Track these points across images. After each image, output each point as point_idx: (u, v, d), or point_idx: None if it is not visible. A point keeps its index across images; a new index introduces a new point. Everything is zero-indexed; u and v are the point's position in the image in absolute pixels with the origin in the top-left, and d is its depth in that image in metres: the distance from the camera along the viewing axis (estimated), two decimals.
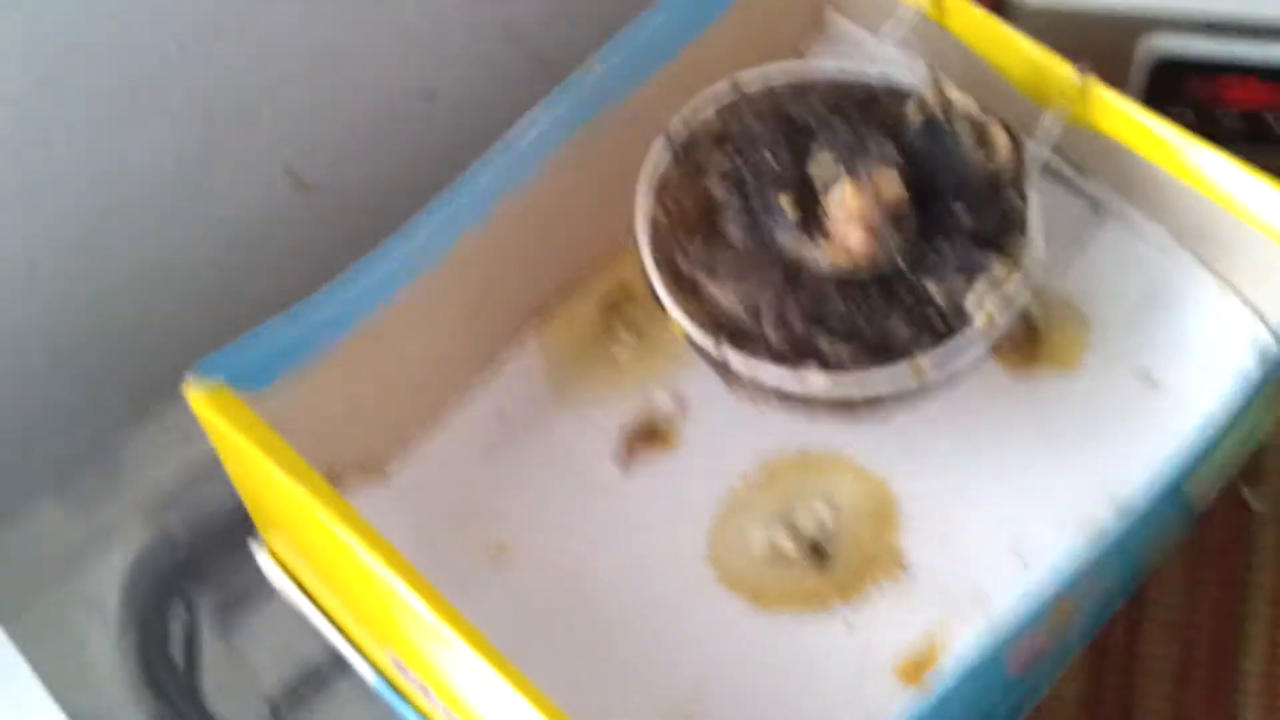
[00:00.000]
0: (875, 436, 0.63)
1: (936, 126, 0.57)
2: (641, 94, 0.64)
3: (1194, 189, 0.57)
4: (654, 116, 0.63)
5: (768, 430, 0.64)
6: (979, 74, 0.61)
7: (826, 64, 0.62)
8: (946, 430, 0.63)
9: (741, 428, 0.64)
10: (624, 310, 0.68)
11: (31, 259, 0.69)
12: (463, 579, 0.56)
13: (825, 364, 0.55)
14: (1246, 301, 0.60)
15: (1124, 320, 0.63)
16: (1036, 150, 0.59)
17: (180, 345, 0.59)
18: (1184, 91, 0.63)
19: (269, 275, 0.74)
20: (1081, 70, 0.58)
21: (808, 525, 0.62)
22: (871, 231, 0.55)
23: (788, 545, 0.62)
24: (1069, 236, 0.63)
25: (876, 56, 0.64)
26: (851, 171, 0.54)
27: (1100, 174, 0.61)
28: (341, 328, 0.57)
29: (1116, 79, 0.61)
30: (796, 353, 0.56)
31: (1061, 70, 0.59)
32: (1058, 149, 0.62)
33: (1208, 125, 0.65)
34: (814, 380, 0.55)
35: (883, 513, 0.62)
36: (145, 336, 0.75)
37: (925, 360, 0.55)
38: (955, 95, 0.57)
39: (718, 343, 0.56)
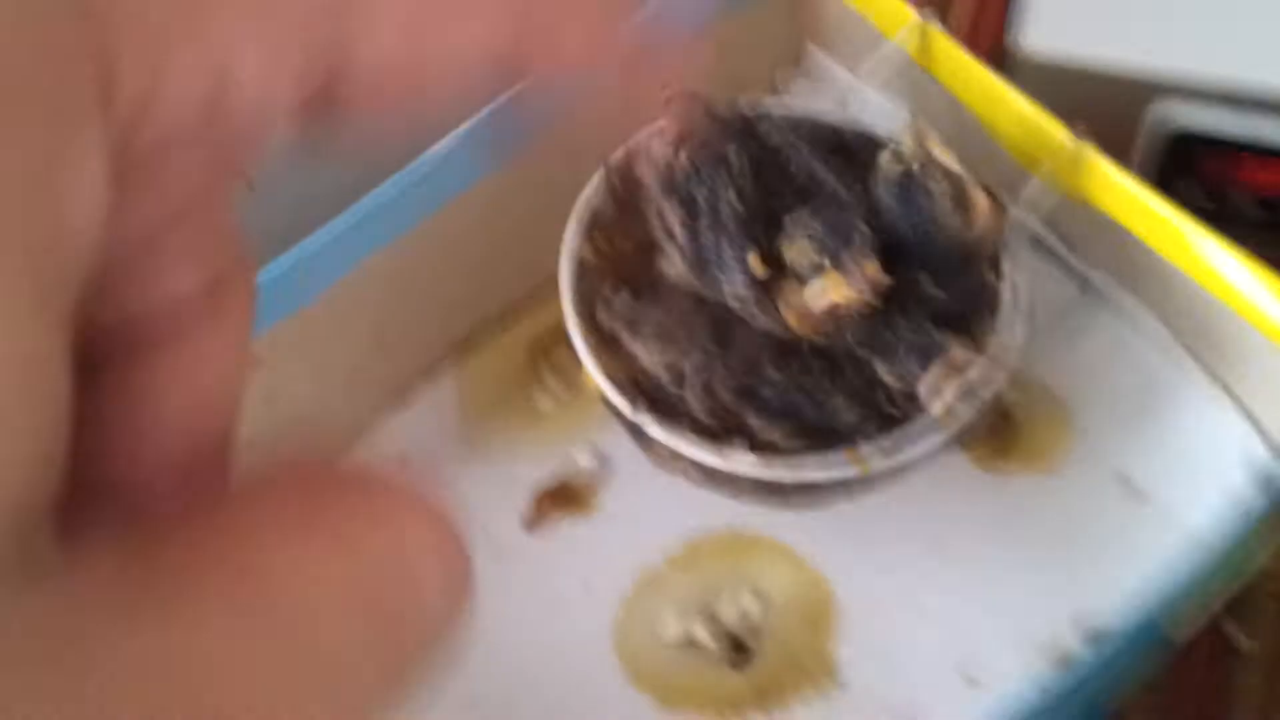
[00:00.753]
0: (817, 523, 0.55)
1: (911, 182, 0.50)
2: (590, 119, 0.57)
3: (1195, 281, 0.50)
4: (605, 146, 0.56)
5: (697, 504, 0.56)
6: (964, 128, 0.54)
7: (794, 101, 0.55)
8: (898, 524, 0.56)
9: (668, 498, 0.57)
10: (554, 355, 0.61)
11: None
12: None
13: (754, 442, 0.48)
14: (1246, 413, 0.53)
15: (1110, 418, 0.56)
16: (1021, 219, 0.52)
17: None
18: (1195, 167, 0.56)
19: None
20: (1078, 134, 0.51)
21: (730, 617, 0.55)
22: (841, 314, 0.48)
23: (705, 637, 0.54)
24: (1054, 318, 0.56)
25: (852, 98, 0.57)
26: (838, 262, 0.47)
27: (1093, 252, 0.54)
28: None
29: (1120, 148, 0.54)
30: (722, 426, 0.48)
31: (1055, 132, 0.51)
32: (1048, 220, 0.55)
33: (1219, 207, 0.58)
34: (739, 459, 0.48)
35: (817, 612, 0.55)
36: None
37: (868, 449, 0.48)
38: (936, 148, 0.50)
39: (634, 406, 0.49)
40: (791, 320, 0.48)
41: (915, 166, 0.49)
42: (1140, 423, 0.55)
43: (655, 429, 0.48)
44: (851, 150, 0.52)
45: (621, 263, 0.52)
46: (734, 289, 0.49)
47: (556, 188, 0.57)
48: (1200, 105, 0.55)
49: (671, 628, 0.55)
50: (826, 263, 0.47)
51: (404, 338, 0.57)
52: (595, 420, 0.59)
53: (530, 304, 0.60)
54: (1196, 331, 0.53)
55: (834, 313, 0.47)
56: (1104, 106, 0.55)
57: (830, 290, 0.47)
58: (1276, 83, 0.54)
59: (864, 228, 0.47)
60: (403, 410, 0.59)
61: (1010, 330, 0.49)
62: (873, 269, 0.47)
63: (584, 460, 0.58)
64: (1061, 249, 0.55)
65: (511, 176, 0.56)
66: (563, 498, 0.57)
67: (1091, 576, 0.54)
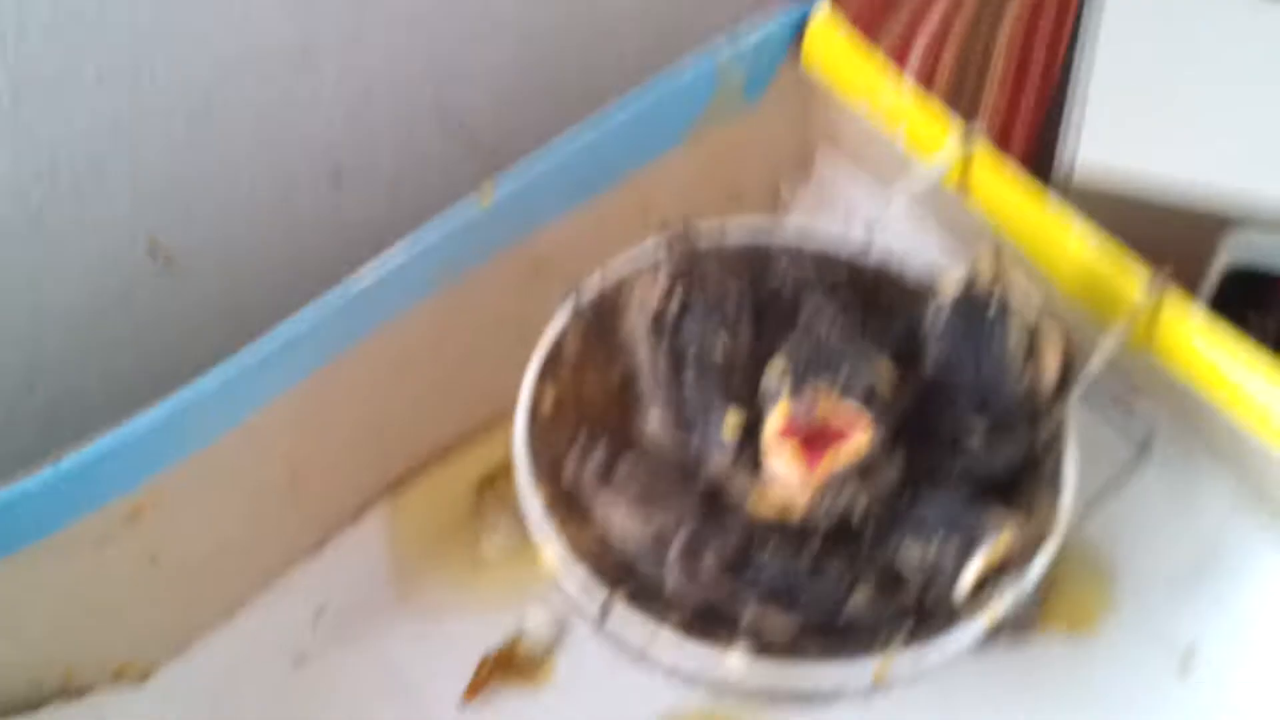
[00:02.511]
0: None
1: (982, 313, 0.41)
2: (557, 233, 0.48)
3: (1273, 448, 0.42)
4: (568, 261, 0.48)
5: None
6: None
7: (810, 228, 0.46)
8: (911, 705, 0.47)
9: (633, 671, 0.48)
10: (502, 490, 0.51)
11: None
12: None
13: (749, 636, 0.39)
14: None
15: (1161, 584, 0.47)
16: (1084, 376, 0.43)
17: None
18: (1267, 299, 0.48)
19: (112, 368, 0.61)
20: (1159, 280, 0.42)
21: None
22: (814, 487, 0.39)
23: None
24: (1103, 471, 0.47)
25: (872, 223, 0.48)
26: (798, 391, 0.38)
27: (1155, 404, 0.45)
28: (87, 505, 0.41)
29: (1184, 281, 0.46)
30: (710, 618, 0.40)
31: (1130, 276, 0.43)
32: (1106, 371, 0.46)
33: None
34: (733, 665, 0.39)
35: None
36: None
37: (900, 659, 0.39)
38: (1017, 280, 0.42)
39: (607, 599, 0.40)
40: (761, 504, 0.40)
41: (993, 302, 0.41)
42: (1197, 590, 0.47)
43: (632, 621, 0.39)
44: (871, 288, 0.44)
45: (590, 412, 0.43)
46: (715, 454, 0.41)
47: (511, 311, 0.48)
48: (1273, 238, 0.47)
49: None
50: (786, 387, 0.39)
51: (324, 478, 0.48)
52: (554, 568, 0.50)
53: (478, 436, 0.51)
54: (1271, 499, 0.44)
55: (802, 501, 0.39)
56: (1165, 241, 0.46)
57: (776, 416, 0.39)
58: None
59: (867, 373, 0.39)
60: (321, 558, 0.49)
61: (1067, 508, 0.40)
62: (846, 416, 0.38)
63: (535, 620, 0.49)
64: (1118, 398, 0.46)
65: (457, 297, 0.47)
66: (509, 665, 0.48)
67: None
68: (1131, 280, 0.43)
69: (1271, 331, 0.48)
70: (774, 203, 0.54)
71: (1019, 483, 0.41)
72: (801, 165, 0.54)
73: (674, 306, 0.42)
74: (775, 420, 0.38)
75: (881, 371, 0.39)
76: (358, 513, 0.50)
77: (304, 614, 0.49)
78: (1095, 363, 0.42)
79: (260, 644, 0.48)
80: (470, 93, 0.71)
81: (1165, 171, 0.48)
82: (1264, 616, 0.46)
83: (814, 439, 0.39)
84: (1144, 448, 0.46)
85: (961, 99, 0.66)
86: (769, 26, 0.50)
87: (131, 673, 0.46)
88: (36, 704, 0.44)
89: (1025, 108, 0.63)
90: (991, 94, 0.66)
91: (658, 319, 0.42)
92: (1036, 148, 0.64)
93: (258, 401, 0.43)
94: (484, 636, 0.49)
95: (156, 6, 0.56)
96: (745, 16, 0.58)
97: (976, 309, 0.41)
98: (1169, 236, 0.47)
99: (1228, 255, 0.47)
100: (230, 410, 0.43)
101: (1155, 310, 0.42)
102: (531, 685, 0.48)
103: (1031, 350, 0.40)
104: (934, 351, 0.41)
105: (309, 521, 0.49)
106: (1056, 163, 0.48)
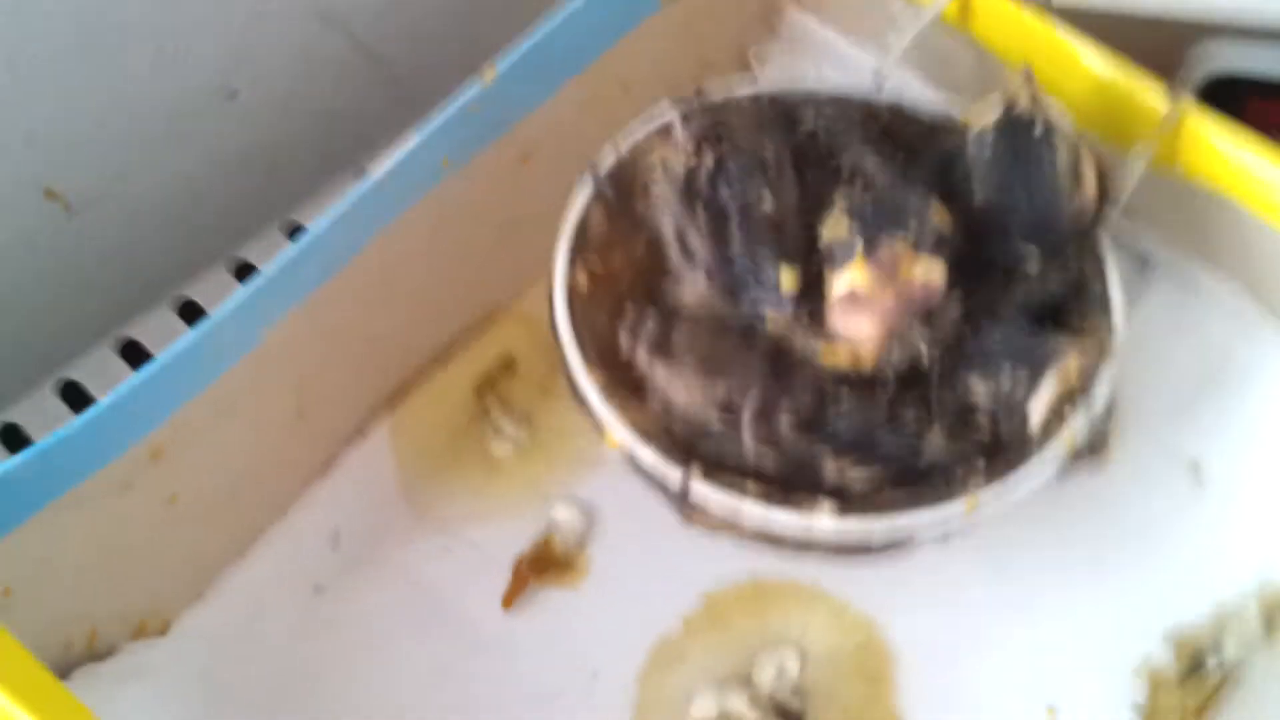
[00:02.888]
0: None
1: (1029, 139, 0.41)
2: (542, 119, 0.46)
3: None
4: (554, 147, 0.46)
5: (708, 552, 0.47)
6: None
7: (814, 77, 0.45)
8: (947, 552, 0.47)
9: (672, 548, 0.47)
10: (503, 390, 0.50)
11: None
12: None
13: (831, 492, 0.39)
14: None
15: (1170, 401, 0.48)
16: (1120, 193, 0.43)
17: None
18: (1240, 112, 0.48)
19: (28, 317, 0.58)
20: (1176, 94, 0.42)
21: (771, 683, 0.45)
22: (886, 332, 0.38)
23: (746, 711, 0.45)
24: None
25: (853, 65, 0.47)
26: (872, 250, 0.37)
27: (1155, 222, 0.45)
28: (116, 447, 0.38)
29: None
30: (790, 480, 0.39)
31: (1146, 95, 0.43)
32: None
33: None
34: (823, 525, 0.38)
35: (872, 664, 0.46)
36: None
37: (986, 495, 0.38)
38: (1053, 104, 0.41)
39: (685, 474, 0.38)
40: (831, 356, 0.39)
41: (1037, 123, 0.40)
42: (1209, 403, 0.48)
43: (708, 491, 0.38)
44: (889, 129, 0.43)
45: (623, 288, 0.42)
46: (772, 310, 0.39)
47: (497, 205, 0.46)
48: (1246, 45, 0.47)
49: (704, 705, 0.45)
50: (859, 245, 0.38)
51: (328, 397, 0.45)
52: (567, 462, 0.49)
53: (470, 337, 0.49)
54: None
55: (873, 348, 0.38)
56: (1137, 54, 0.46)
57: (851, 279, 0.38)
58: None
59: (929, 217, 0.38)
60: (328, 484, 0.47)
61: (1122, 323, 0.40)
62: (929, 270, 0.37)
63: (564, 515, 0.48)
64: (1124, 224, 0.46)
65: (449, 193, 0.44)
66: (544, 564, 0.47)
67: (1167, 578, 0.47)
68: (1147, 98, 0.43)
69: None
70: (743, 69, 0.53)
71: (1068, 307, 0.41)
72: (768, 27, 0.53)
73: (706, 166, 0.40)
74: (852, 279, 0.37)
75: (942, 215, 0.39)
76: (361, 430, 0.47)
77: (319, 541, 0.47)
78: (1131, 179, 0.42)
79: (278, 577, 0.46)
80: None
81: None
82: (1267, 424, 0.47)
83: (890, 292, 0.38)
84: (1144, 263, 0.47)
85: None
86: None
87: (153, 625, 0.44)
88: (65, 670, 0.41)
89: None
90: None
91: (689, 181, 0.41)
92: None
93: (273, 317, 0.40)
94: (509, 540, 0.47)
95: None
96: None
97: (1022, 131, 0.40)
98: (1143, 54, 0.47)
99: (1203, 64, 0.47)
100: (248, 331, 0.40)
101: (1177, 123, 0.42)
102: (569, 582, 0.47)
103: (1077, 171, 0.40)
104: (981, 181, 0.41)
105: (315, 444, 0.46)
106: None
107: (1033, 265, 0.40)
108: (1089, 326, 0.41)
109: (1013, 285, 0.40)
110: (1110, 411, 0.40)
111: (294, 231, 0.59)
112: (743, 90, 0.44)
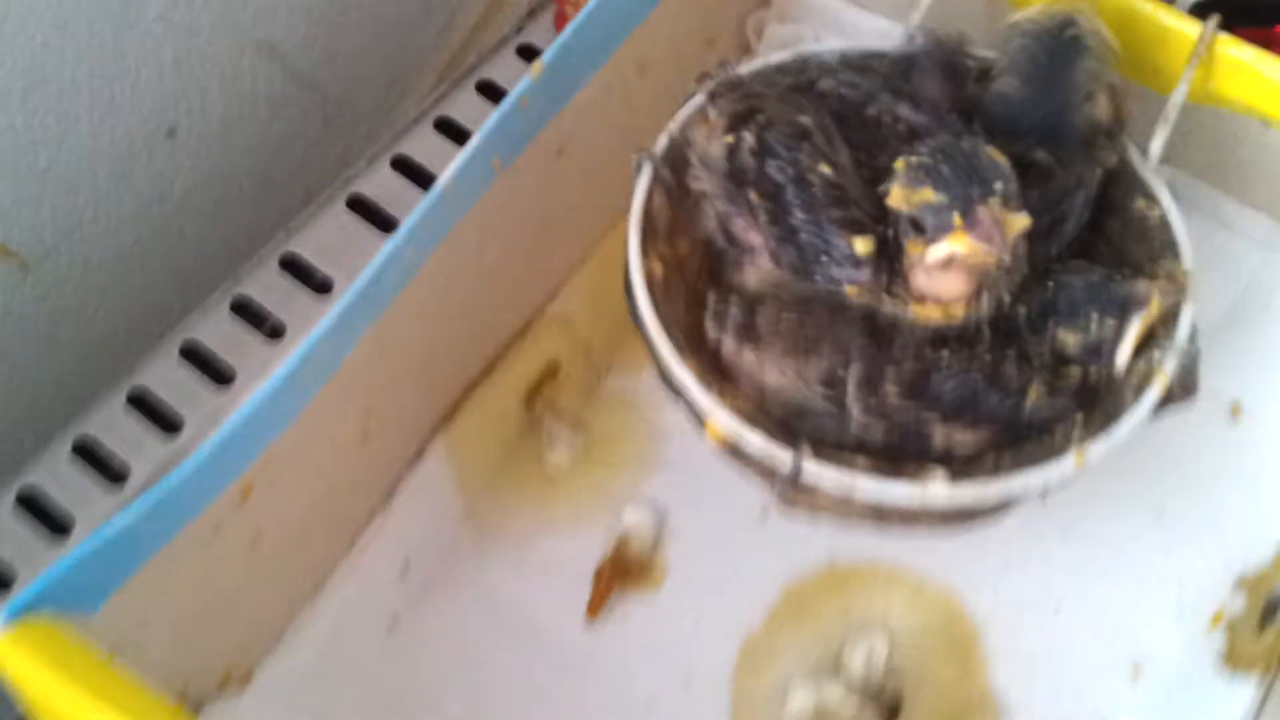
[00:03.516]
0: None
1: (1061, 34, 0.41)
2: (572, 113, 0.45)
3: None
4: (584, 138, 0.46)
5: (780, 540, 0.47)
6: None
7: (843, 43, 0.45)
8: (1013, 518, 0.47)
9: (744, 542, 0.47)
10: (551, 396, 0.49)
11: None
12: None
13: (938, 459, 0.38)
14: None
15: (1207, 339, 0.49)
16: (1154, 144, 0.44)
17: None
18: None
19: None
20: (1212, 27, 0.43)
21: (863, 669, 0.45)
22: (982, 282, 0.38)
23: (841, 699, 0.44)
24: None
25: (850, 28, 0.47)
26: (969, 215, 0.37)
27: (1183, 157, 0.46)
28: (212, 493, 0.37)
29: None
30: (897, 450, 0.38)
31: (1181, 29, 0.43)
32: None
33: None
34: (937, 493, 0.38)
35: (959, 640, 0.46)
36: None
37: (1093, 447, 0.39)
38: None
39: (797, 455, 0.38)
40: (919, 313, 0.39)
41: (1075, 25, 0.41)
42: (1243, 341, 0.49)
43: (823, 470, 0.38)
44: (920, 71, 0.43)
45: (687, 271, 0.41)
46: (850, 279, 0.39)
47: (535, 204, 0.45)
48: None
49: (799, 702, 0.44)
50: (955, 213, 0.37)
51: (388, 420, 0.44)
52: (628, 464, 0.48)
53: (514, 346, 0.48)
54: None
55: (968, 282, 0.38)
56: None
57: (953, 246, 0.37)
58: None
59: (1009, 173, 0.38)
60: (393, 507, 0.45)
61: (1191, 265, 0.41)
62: (1019, 223, 0.38)
63: (635, 518, 0.47)
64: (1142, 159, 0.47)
65: (494, 197, 0.43)
66: (625, 571, 0.46)
67: (1225, 522, 0.48)
68: (1173, 32, 0.44)
69: None
70: (743, 42, 0.53)
71: (1133, 251, 0.42)
72: (763, 1, 0.52)
73: (748, 144, 0.40)
74: (953, 247, 0.37)
75: (1011, 169, 0.39)
76: (419, 452, 0.46)
77: (390, 571, 0.45)
78: (1171, 110, 0.43)
79: (353, 613, 0.44)
80: (287, 25, 0.67)
81: None
82: None
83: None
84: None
85: None
86: None
87: (237, 674, 0.42)
88: None
89: None
90: None
91: (732, 161, 0.40)
92: None
93: (352, 341, 0.39)
94: (580, 549, 0.46)
95: None
96: None
97: (1059, 30, 0.41)
98: None
99: None
100: (331, 357, 0.38)
101: (1205, 53, 0.43)
102: (649, 586, 0.46)
103: (1099, 83, 0.41)
104: (1007, 68, 0.41)
105: (379, 470, 0.45)
106: None
107: (1041, 156, 0.40)
108: (1160, 269, 0.41)
109: (1029, 183, 0.39)
110: (1196, 350, 0.41)
111: (287, 262, 0.57)
112: (763, 62, 0.44)
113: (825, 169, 0.39)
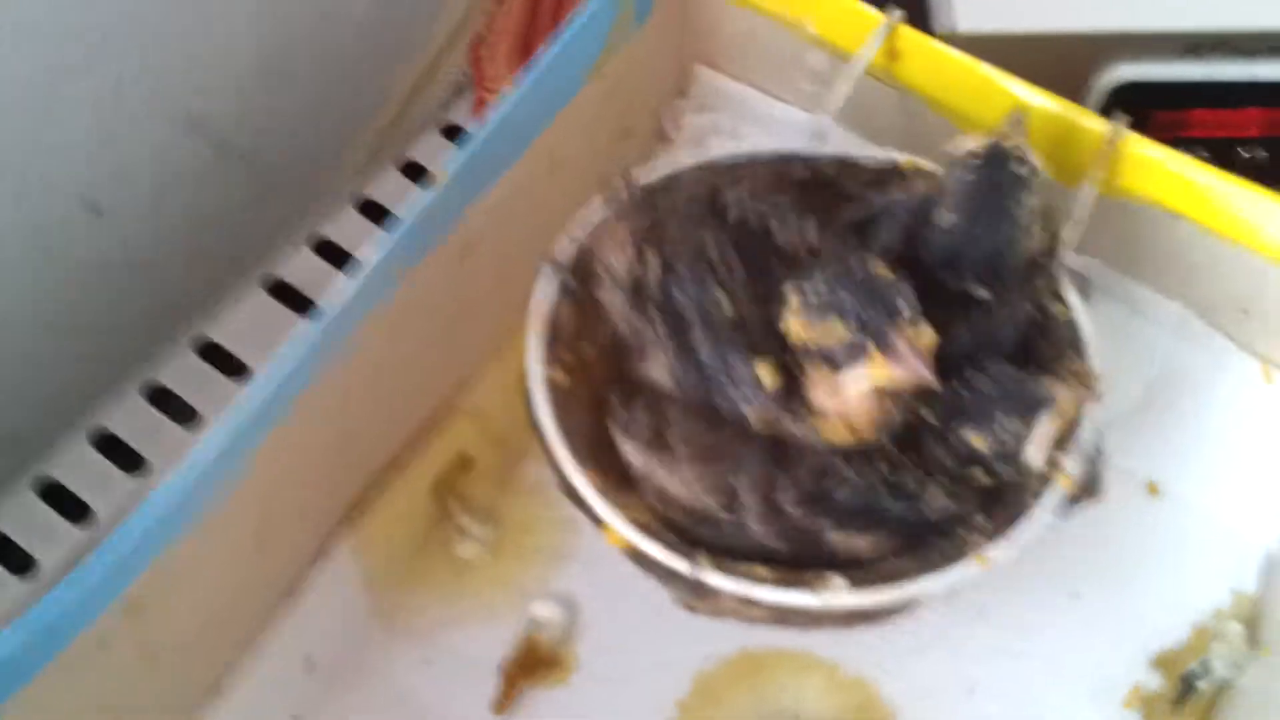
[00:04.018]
0: None
1: (1006, 169, 0.40)
2: (479, 211, 0.45)
3: (1247, 246, 0.43)
4: (492, 235, 0.45)
5: (692, 632, 0.46)
6: (932, 133, 0.46)
7: (753, 148, 0.45)
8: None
9: (656, 633, 0.46)
10: (462, 489, 0.48)
11: None
12: None
13: (840, 564, 0.38)
14: None
15: (1123, 421, 0.49)
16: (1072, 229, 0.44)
17: None
18: (1144, 127, 0.50)
19: None
20: (1117, 122, 0.43)
21: None
22: (893, 402, 0.38)
23: None
24: None
25: (767, 118, 0.47)
26: (883, 343, 0.37)
27: (1093, 247, 0.46)
28: (97, 607, 0.36)
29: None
30: (798, 557, 0.38)
31: (1090, 127, 0.43)
32: None
33: None
34: (838, 600, 0.38)
35: None
36: None
37: (995, 550, 0.38)
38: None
39: (694, 565, 0.38)
40: (829, 433, 0.39)
41: (1021, 160, 0.41)
42: (1158, 421, 0.49)
43: (721, 580, 0.37)
44: (834, 184, 0.43)
45: (593, 377, 0.41)
46: (753, 407, 0.39)
47: (443, 301, 0.45)
48: (1145, 57, 0.49)
49: None
50: (869, 344, 0.37)
51: (289, 518, 0.43)
52: (539, 556, 0.48)
53: (422, 440, 0.47)
54: (1235, 307, 0.46)
55: (879, 404, 0.38)
56: (1044, 74, 0.47)
57: (873, 377, 0.37)
58: (1212, 20, 0.49)
59: (907, 290, 0.38)
60: (297, 607, 0.45)
61: (1099, 364, 0.41)
62: (928, 338, 0.37)
63: (545, 612, 0.46)
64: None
65: (397, 299, 0.43)
66: (532, 664, 0.45)
67: (1141, 602, 0.47)
68: (1084, 127, 0.44)
69: None
70: (659, 131, 0.52)
71: (1040, 350, 0.41)
72: (681, 89, 0.52)
73: (653, 272, 0.40)
74: (875, 377, 0.37)
75: (885, 270, 0.38)
76: (323, 549, 0.45)
77: (293, 668, 0.44)
78: (1082, 209, 0.43)
79: (254, 716, 0.44)
80: (217, 100, 0.67)
81: (1040, 8, 0.50)
82: (1219, 435, 0.48)
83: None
84: (1086, 286, 0.47)
85: None
86: None
87: None
88: None
89: None
90: None
91: (638, 287, 0.40)
92: None
93: (241, 456, 0.39)
94: (490, 644, 0.46)
95: None
96: None
97: (1003, 165, 0.40)
98: (1050, 74, 0.48)
99: (1108, 78, 0.49)
100: (228, 468, 0.38)
101: (1115, 147, 0.43)
102: (558, 680, 0.46)
103: (1039, 214, 0.41)
104: (953, 206, 0.41)
105: (280, 570, 0.44)
106: (937, 28, 0.49)
107: (987, 306, 0.40)
108: (1066, 368, 0.41)
109: (968, 319, 0.40)
110: (1100, 451, 0.40)
111: (203, 346, 0.57)
112: (672, 168, 0.44)
113: (725, 297, 0.39)
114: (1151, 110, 0.50)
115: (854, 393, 0.37)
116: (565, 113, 0.47)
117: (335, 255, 0.59)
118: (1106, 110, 0.50)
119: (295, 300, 0.58)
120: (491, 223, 0.46)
